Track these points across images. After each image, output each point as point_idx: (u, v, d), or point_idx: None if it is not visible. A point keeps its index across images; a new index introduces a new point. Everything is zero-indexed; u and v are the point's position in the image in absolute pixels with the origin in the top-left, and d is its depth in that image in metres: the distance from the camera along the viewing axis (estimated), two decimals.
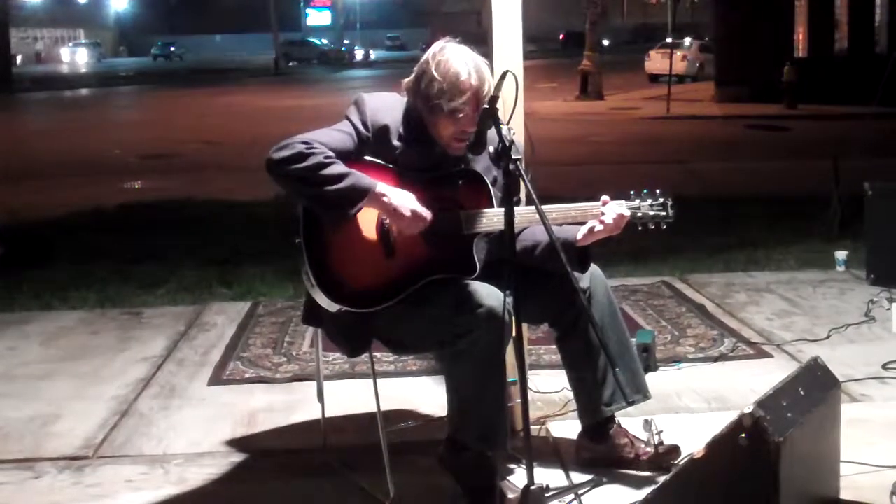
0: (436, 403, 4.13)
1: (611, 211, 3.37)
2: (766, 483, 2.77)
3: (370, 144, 3.33)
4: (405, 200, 3.23)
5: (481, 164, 3.39)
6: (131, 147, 17.64)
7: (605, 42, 59.76)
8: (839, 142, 9.69)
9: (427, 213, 3.25)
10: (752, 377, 4.61)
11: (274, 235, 8.00)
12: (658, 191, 3.50)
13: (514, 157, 3.04)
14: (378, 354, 4.56)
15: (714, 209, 9.39)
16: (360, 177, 3.19)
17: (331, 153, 3.19)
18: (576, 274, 3.39)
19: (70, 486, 3.71)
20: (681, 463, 3.38)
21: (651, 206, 3.47)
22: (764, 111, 23.16)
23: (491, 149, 3.12)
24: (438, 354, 3.42)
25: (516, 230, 3.24)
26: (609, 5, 45.26)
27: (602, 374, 3.54)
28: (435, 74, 3.27)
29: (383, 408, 3.52)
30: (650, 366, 4.64)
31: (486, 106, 3.09)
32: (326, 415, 3.99)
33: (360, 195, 3.17)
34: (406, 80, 3.41)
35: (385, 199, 3.20)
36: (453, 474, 3.38)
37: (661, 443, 3.59)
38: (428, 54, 3.34)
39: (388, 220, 3.27)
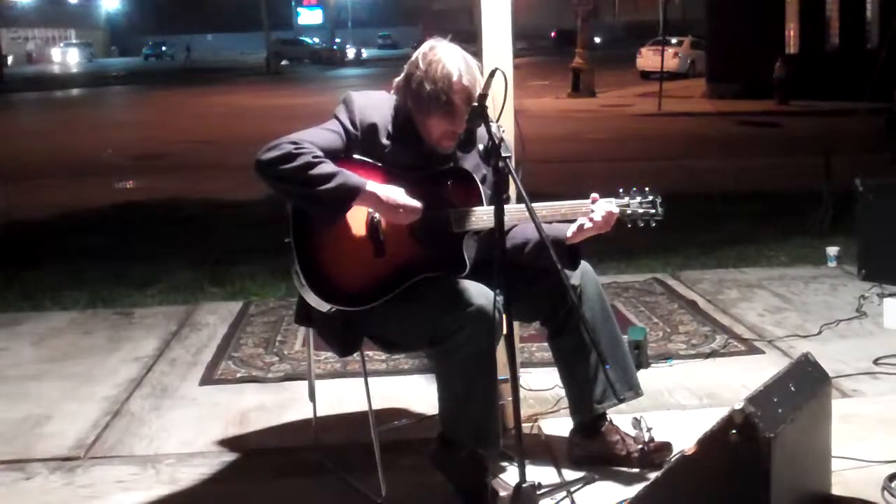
0: (427, 402, 4.13)
1: (600, 209, 3.38)
2: (758, 479, 2.77)
3: (359, 143, 3.32)
4: (395, 194, 3.23)
5: (471, 162, 3.39)
6: (123, 147, 17.61)
7: (597, 39, 59.63)
8: (830, 138, 9.70)
9: (418, 205, 3.25)
10: (744, 373, 4.62)
11: (265, 235, 7.94)
12: (647, 188, 3.50)
13: (503, 154, 3.04)
14: (369, 353, 4.56)
15: (705, 206, 9.41)
16: (349, 176, 3.18)
17: (319, 153, 3.18)
18: (566, 271, 3.39)
19: (61, 486, 3.70)
20: (672, 460, 3.38)
21: (640, 203, 3.47)
22: (755, 107, 23.20)
23: (480, 147, 3.12)
24: (429, 353, 3.41)
25: (506, 228, 3.24)
26: (600, 3, 45.25)
27: (593, 371, 3.54)
28: (427, 75, 3.26)
29: (375, 406, 3.52)
30: (642, 363, 4.64)
31: (476, 104, 3.08)
32: (318, 414, 3.99)
33: (350, 194, 3.17)
34: (396, 79, 3.41)
35: (375, 195, 3.20)
36: (445, 473, 3.38)
37: (651, 439, 3.59)
38: (418, 54, 3.33)
39: (378, 216, 3.27)
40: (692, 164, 13.69)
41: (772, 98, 24.59)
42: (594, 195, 3.41)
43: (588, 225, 3.38)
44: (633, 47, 41.35)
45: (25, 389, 4.79)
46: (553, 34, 65.67)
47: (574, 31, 32.84)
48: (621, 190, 3.49)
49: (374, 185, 3.22)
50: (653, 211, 3.48)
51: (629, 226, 3.49)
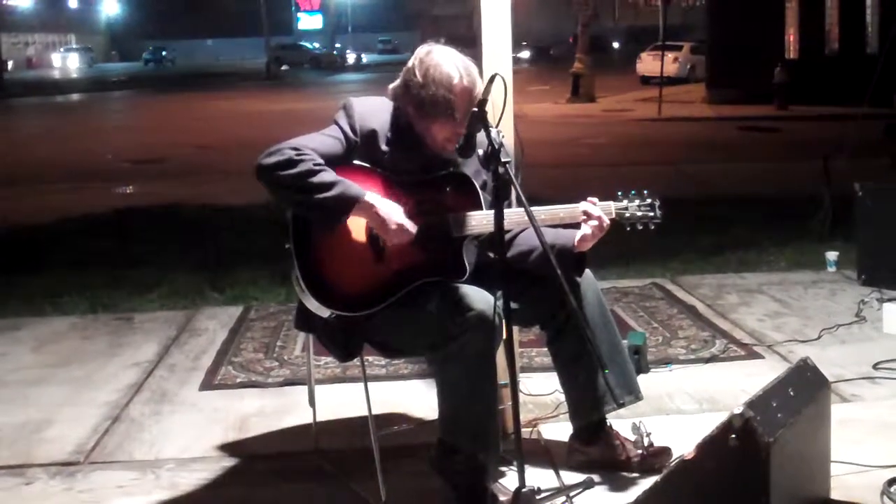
0: (427, 406, 4.14)
1: (594, 210, 3.39)
2: (757, 484, 2.78)
3: (359, 149, 3.33)
4: (392, 213, 3.24)
5: (471, 167, 3.40)
6: (123, 152, 17.61)
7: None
8: (830, 142, 9.71)
9: (412, 227, 3.26)
10: (744, 378, 4.62)
11: (265, 239, 7.97)
12: (646, 191, 3.51)
13: (503, 160, 3.04)
14: (369, 358, 4.56)
15: (705, 210, 9.40)
16: (348, 185, 3.19)
17: (320, 160, 3.19)
18: (575, 277, 3.42)
19: (61, 491, 3.70)
20: (672, 464, 3.39)
21: (639, 206, 3.48)
22: (755, 112, 23.18)
23: (480, 152, 3.13)
24: (430, 357, 3.42)
25: (507, 233, 3.25)
26: (600, 8, 45.30)
27: (593, 376, 3.54)
28: (426, 80, 3.27)
29: (375, 411, 3.52)
30: (641, 367, 4.64)
31: (475, 109, 3.09)
32: (318, 419, 3.99)
33: (349, 204, 3.18)
34: (393, 84, 3.42)
35: (372, 209, 3.21)
36: (445, 477, 3.38)
37: (650, 444, 3.60)
38: (414, 60, 3.34)
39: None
40: (692, 168, 13.69)
41: (772, 103, 24.61)
42: (592, 199, 3.43)
43: (588, 231, 3.39)
44: (633, 52, 41.43)
45: (25, 394, 4.79)
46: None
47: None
48: (620, 193, 3.50)
49: (373, 197, 3.23)
50: (651, 214, 3.49)
51: (628, 229, 3.50)
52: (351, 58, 65.36)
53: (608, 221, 3.42)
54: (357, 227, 3.29)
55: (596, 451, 3.63)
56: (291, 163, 3.15)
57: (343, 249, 3.28)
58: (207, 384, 4.84)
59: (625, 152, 16.76)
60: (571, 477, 3.55)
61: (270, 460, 3.93)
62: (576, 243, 3.43)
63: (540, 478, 3.45)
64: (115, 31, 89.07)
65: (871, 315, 5.54)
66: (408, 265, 3.30)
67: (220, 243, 8.53)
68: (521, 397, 3.63)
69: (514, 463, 3.16)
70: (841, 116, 16.72)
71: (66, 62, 72.95)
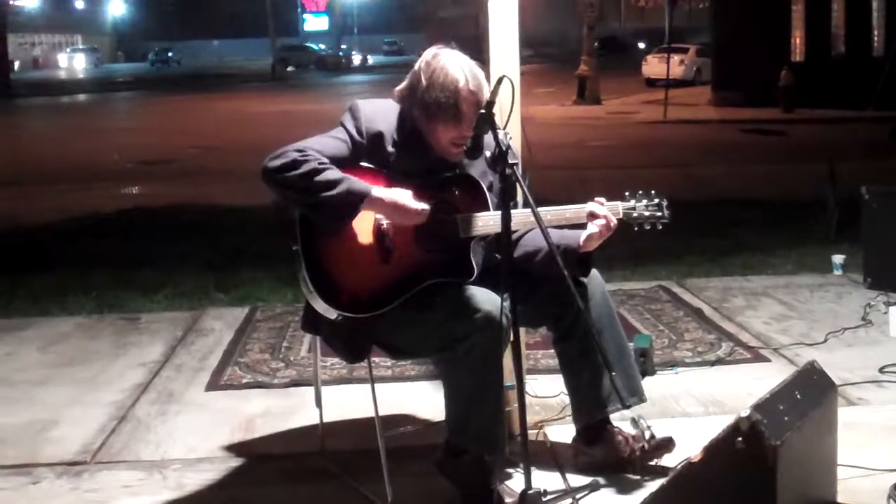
0: (434, 408, 4.14)
1: (601, 210, 3.39)
2: (763, 487, 2.78)
3: (365, 151, 3.34)
4: (401, 196, 3.24)
5: (477, 168, 3.40)
6: (129, 152, 17.63)
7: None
8: (836, 145, 9.69)
9: (425, 206, 3.26)
10: (750, 381, 4.62)
11: (272, 240, 7.96)
12: (653, 191, 3.51)
13: (510, 161, 3.04)
14: (376, 359, 4.53)
15: (711, 213, 9.39)
16: (354, 182, 3.19)
17: (325, 160, 3.20)
18: (580, 277, 3.42)
19: (68, 491, 3.71)
20: (678, 466, 3.38)
21: (647, 206, 3.49)
22: (761, 115, 23.17)
23: (487, 154, 3.13)
24: (436, 359, 3.42)
25: (513, 234, 3.25)
26: (606, 10, 45.31)
27: (598, 377, 3.55)
28: (433, 83, 3.28)
29: (381, 413, 3.52)
30: (647, 370, 4.64)
31: (483, 111, 3.10)
32: (324, 420, 3.99)
33: (357, 200, 3.18)
34: (399, 87, 3.43)
35: (381, 199, 3.21)
36: (451, 479, 3.39)
37: (652, 437, 3.60)
38: (421, 62, 3.35)
39: (385, 222, 3.28)
40: (698, 171, 13.68)
41: (777, 106, 24.59)
42: (599, 199, 3.43)
43: (595, 230, 3.40)
44: (639, 54, 41.40)
45: (32, 394, 4.80)
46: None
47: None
48: (627, 193, 3.51)
49: (380, 190, 3.23)
50: (659, 213, 3.49)
51: (636, 229, 3.50)
52: (357, 59, 65.38)
53: (615, 221, 3.43)
54: (364, 227, 3.29)
55: (599, 452, 3.64)
56: (296, 164, 3.16)
57: (351, 250, 3.28)
58: (214, 385, 4.85)
59: (630, 154, 16.76)
60: (577, 479, 3.55)
61: (276, 461, 3.93)
62: (581, 243, 3.44)
63: (546, 480, 3.44)
64: (121, 31, 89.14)
65: (878, 318, 5.53)
66: (415, 266, 3.30)
67: (227, 244, 8.54)
68: (528, 399, 3.63)
69: (521, 465, 3.16)
70: (847, 119, 16.74)
71: (73, 63, 73.06)
